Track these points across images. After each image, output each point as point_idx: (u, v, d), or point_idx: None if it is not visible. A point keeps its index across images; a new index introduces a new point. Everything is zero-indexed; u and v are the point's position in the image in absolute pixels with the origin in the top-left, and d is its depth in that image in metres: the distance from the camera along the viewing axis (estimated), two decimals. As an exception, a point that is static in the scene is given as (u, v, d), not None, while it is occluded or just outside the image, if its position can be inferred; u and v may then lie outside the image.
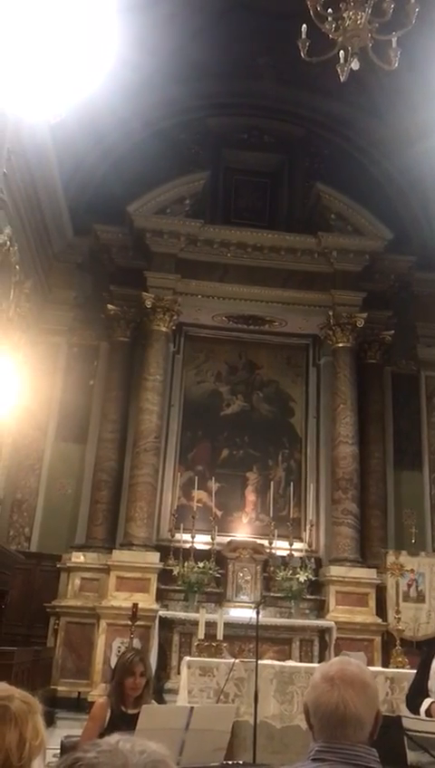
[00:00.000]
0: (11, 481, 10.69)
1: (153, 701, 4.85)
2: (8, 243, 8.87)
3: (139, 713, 3.65)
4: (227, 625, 7.28)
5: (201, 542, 10.68)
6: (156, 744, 1.04)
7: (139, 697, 3.91)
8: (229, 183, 13.08)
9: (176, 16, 10.62)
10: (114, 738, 1.03)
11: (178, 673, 7.83)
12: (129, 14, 7.03)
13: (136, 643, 9.23)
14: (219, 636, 6.78)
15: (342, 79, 5.74)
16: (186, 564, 10.18)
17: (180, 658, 8.03)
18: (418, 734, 3.97)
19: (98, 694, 8.89)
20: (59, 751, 4.04)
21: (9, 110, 6.61)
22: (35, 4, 4.26)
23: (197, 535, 10.59)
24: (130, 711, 3.83)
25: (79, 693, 9.54)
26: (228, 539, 10.88)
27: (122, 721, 3.74)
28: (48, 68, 4.41)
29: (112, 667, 9.37)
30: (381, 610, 10.16)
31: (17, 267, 9.40)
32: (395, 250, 11.92)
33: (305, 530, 11.31)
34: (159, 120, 12.61)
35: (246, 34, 11.38)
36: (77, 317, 12.06)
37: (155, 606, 9.83)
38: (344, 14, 5.52)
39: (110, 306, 11.69)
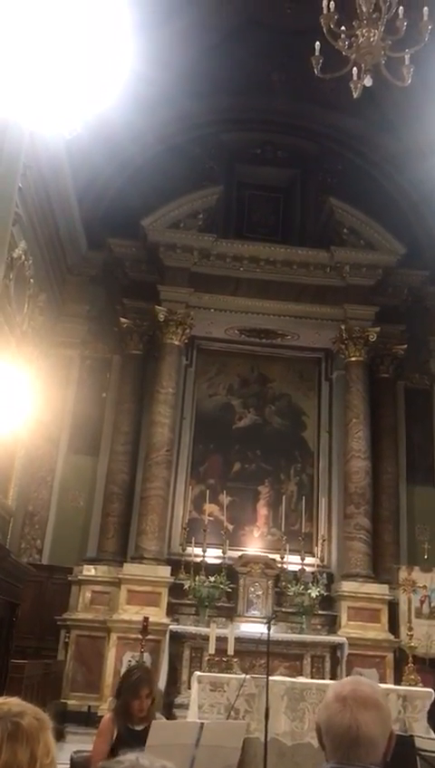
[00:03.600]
0: (23, 493, 10.69)
1: (162, 716, 4.85)
2: (23, 257, 8.93)
3: (146, 728, 3.68)
4: (238, 640, 7.24)
5: (212, 555, 10.64)
6: (170, 763, 1.12)
7: (145, 716, 3.91)
8: (242, 198, 13.12)
9: (190, 33, 10.72)
10: (133, 755, 1.10)
11: (189, 688, 7.80)
12: (144, 31, 7.11)
13: (146, 657, 9.19)
14: (230, 651, 6.74)
15: (355, 95, 5.77)
16: (197, 578, 10.15)
17: (191, 673, 8.00)
18: (431, 754, 3.94)
19: (106, 708, 8.86)
20: (69, 766, 4.02)
21: (24, 124, 6.67)
22: (51, 19, 4.31)
23: (208, 549, 10.56)
24: (137, 727, 3.85)
25: (89, 707, 9.49)
26: (240, 553, 10.85)
27: (130, 737, 3.76)
28: (63, 83, 4.45)
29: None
30: (393, 627, 10.08)
31: (31, 281, 9.46)
32: (408, 264, 11.91)
33: (317, 545, 11.26)
34: (173, 135, 12.69)
35: (259, 51, 11.46)
36: (90, 330, 12.13)
37: (166, 620, 9.80)
38: (358, 32, 5.56)
39: (123, 319, 11.74)
